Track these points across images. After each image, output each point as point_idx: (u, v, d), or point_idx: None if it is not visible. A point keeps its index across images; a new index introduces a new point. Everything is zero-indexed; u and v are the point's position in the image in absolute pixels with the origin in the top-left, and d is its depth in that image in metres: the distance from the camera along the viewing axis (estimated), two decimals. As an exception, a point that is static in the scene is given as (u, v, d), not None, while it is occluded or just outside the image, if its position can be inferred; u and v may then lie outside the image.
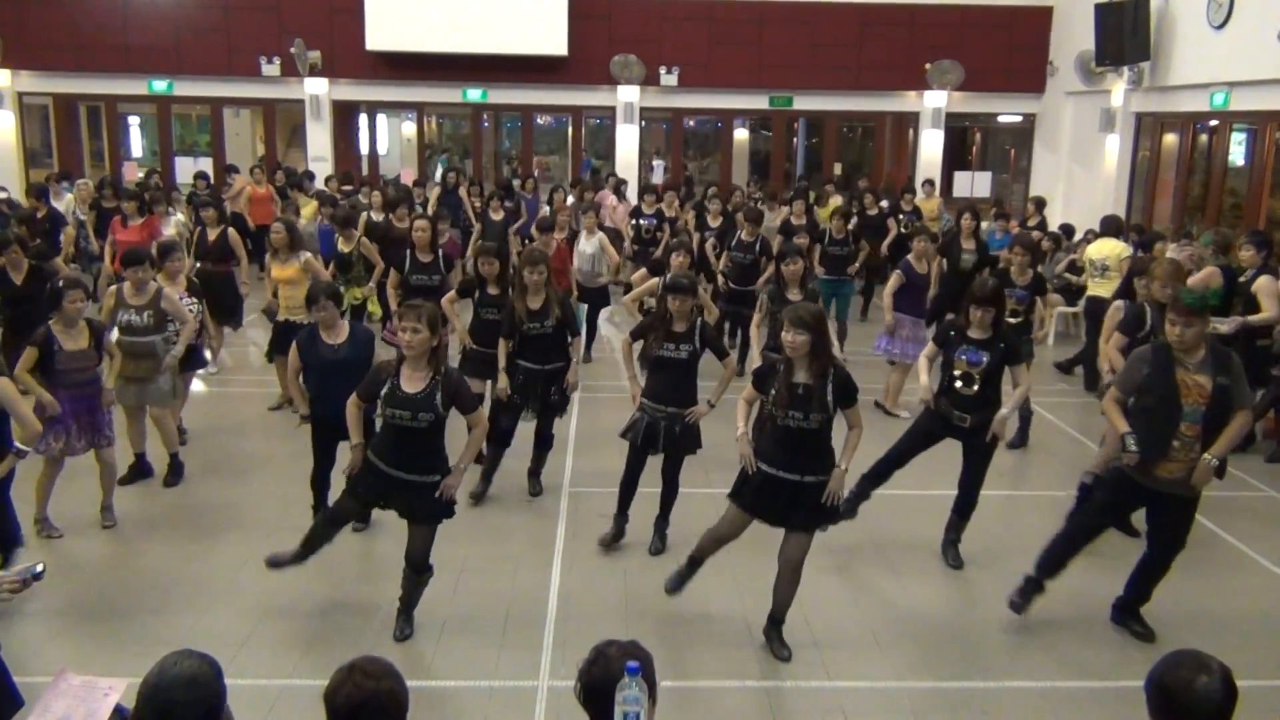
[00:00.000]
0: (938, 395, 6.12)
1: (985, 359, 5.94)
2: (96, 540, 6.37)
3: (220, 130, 18.87)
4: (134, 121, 20.79)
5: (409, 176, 18.23)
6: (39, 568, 3.50)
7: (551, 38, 16.93)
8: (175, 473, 7.37)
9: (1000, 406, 6.02)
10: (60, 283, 6.43)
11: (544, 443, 7.25)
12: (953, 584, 6.05)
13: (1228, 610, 5.59)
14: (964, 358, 5.97)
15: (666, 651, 5.00)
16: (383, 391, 4.95)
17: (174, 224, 11.98)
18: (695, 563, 5.38)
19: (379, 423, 5.26)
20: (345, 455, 5.35)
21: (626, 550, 6.34)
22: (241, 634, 5.22)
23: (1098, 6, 14.84)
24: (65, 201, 13.60)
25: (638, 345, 6.36)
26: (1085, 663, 5.15)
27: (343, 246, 9.95)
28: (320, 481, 6.47)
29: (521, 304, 6.78)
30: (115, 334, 6.94)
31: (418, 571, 5.19)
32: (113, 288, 7.18)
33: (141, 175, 16.54)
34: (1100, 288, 9.65)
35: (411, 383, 4.91)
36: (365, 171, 18.64)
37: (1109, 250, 9.98)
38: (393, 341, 8.63)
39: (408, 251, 8.40)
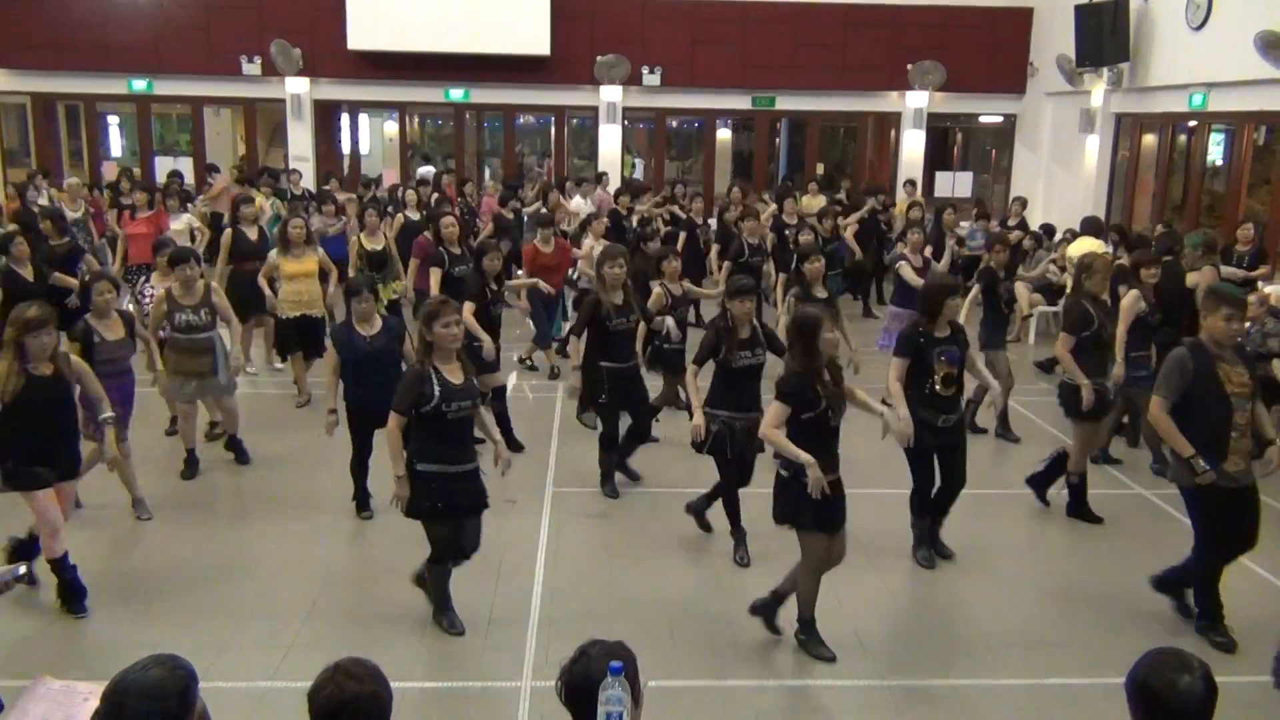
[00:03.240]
0: (920, 407, 5.87)
1: (959, 354, 5.94)
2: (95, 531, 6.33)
3: (200, 130, 18.74)
4: (113, 121, 20.63)
5: (391, 177, 18.18)
6: (21, 569, 3.47)
7: (534, 37, 16.89)
8: (241, 451, 7.59)
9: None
10: (87, 276, 6.78)
11: (638, 436, 7.33)
12: (936, 582, 6.07)
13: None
14: (944, 359, 5.87)
15: (651, 651, 4.98)
16: (434, 392, 4.90)
17: (184, 221, 11.84)
18: (808, 622, 5.14)
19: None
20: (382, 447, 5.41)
21: (611, 550, 6.34)
22: (224, 637, 5.19)
23: (1078, 8, 14.92)
24: (45, 199, 13.54)
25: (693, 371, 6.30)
26: (1067, 660, 5.17)
27: (371, 244, 10.19)
28: (359, 468, 6.72)
29: (609, 300, 6.92)
30: (166, 332, 7.19)
31: (466, 559, 5.33)
32: (160, 292, 7.30)
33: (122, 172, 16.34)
34: (1081, 286, 9.70)
35: (455, 374, 4.97)
36: (346, 171, 18.56)
37: (1088, 249, 10.05)
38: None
39: (441, 249, 8.77)
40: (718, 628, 5.40)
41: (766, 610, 5.26)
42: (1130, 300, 7.31)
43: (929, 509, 6.23)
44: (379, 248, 10.19)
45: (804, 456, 4.80)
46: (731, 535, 6.21)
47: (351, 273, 9.91)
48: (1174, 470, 5.34)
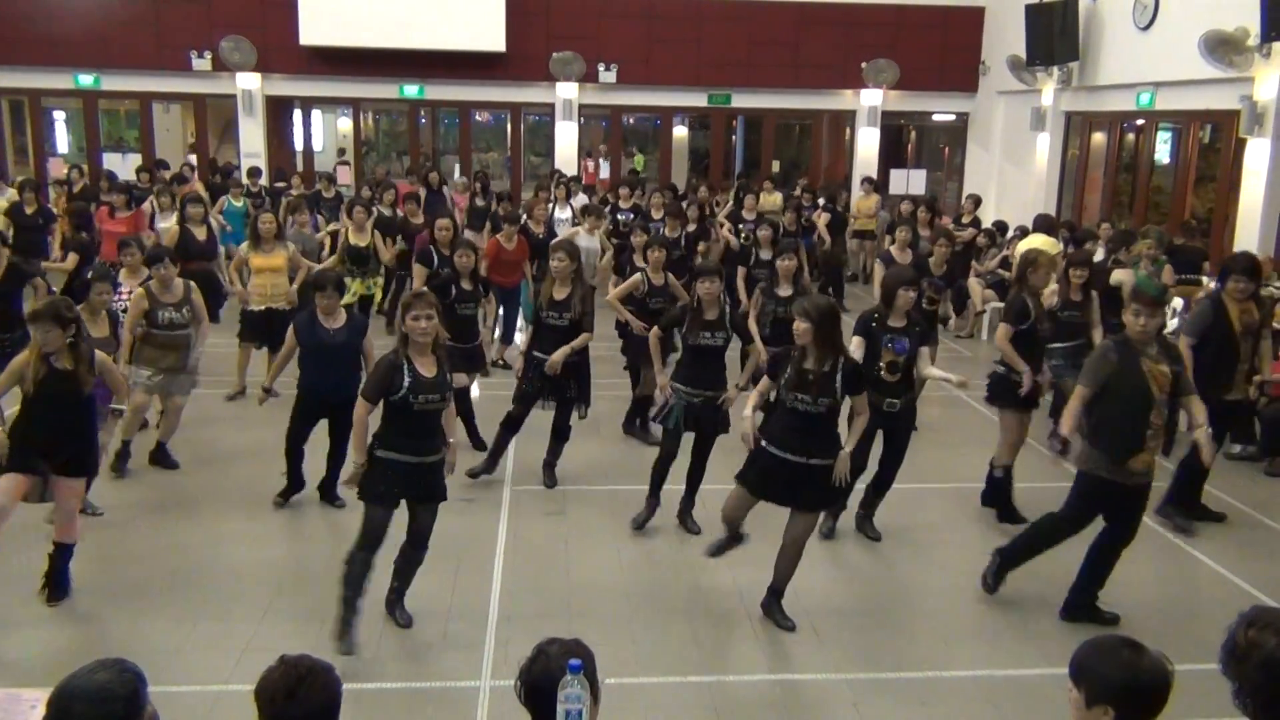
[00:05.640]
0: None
1: (908, 346, 6.11)
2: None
3: (149, 126, 18.44)
4: (59, 116, 20.23)
5: (345, 174, 18.01)
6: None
7: (490, 33, 16.82)
8: (165, 457, 7.48)
9: (913, 389, 6.33)
10: (90, 274, 6.91)
11: (559, 434, 7.30)
12: (890, 575, 6.13)
13: (1159, 596, 5.71)
14: (891, 347, 6.11)
15: (609, 649, 4.98)
16: (404, 383, 4.93)
17: (175, 219, 11.61)
18: (736, 537, 5.55)
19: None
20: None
21: (569, 548, 6.33)
22: (176, 640, 5.11)
23: (1028, 7, 15.13)
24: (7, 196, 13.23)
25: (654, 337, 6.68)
26: (1021, 651, 5.24)
27: (356, 240, 10.28)
28: (295, 447, 6.75)
29: (548, 291, 7.02)
30: (142, 328, 7.16)
31: (421, 549, 5.28)
32: (140, 289, 7.27)
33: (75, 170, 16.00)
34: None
35: (427, 368, 5.01)
36: (301, 168, 18.34)
37: (1040, 245, 10.18)
38: None
39: (431, 248, 8.63)
40: (676, 624, 5.41)
41: (772, 607, 5.46)
42: (1046, 293, 7.47)
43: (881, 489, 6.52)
44: (363, 244, 10.35)
45: (745, 413, 5.41)
46: (645, 500, 6.57)
47: (335, 263, 10.07)
48: (1084, 456, 5.35)
